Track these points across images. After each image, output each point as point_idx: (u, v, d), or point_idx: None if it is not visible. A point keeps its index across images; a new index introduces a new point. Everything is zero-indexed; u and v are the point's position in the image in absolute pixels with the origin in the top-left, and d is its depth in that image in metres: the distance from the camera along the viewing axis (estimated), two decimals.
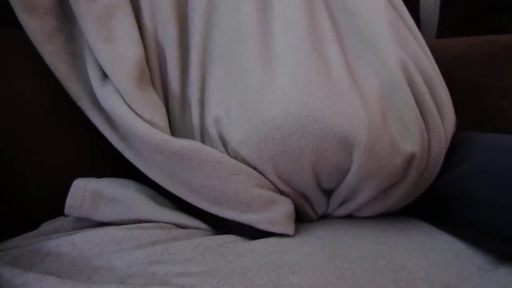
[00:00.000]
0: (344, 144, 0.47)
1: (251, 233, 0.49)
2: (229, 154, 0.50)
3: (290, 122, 0.47)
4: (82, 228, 0.51)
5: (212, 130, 0.51)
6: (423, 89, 0.51)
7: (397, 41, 0.54)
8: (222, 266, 0.42)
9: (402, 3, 0.61)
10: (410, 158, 0.49)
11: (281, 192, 0.51)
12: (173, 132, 0.53)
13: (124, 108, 0.49)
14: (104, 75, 0.52)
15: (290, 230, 0.49)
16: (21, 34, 0.54)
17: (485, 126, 0.68)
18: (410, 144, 0.49)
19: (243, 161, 0.49)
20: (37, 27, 0.52)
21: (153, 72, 0.55)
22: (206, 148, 0.48)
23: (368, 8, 0.56)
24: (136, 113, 0.49)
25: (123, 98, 0.50)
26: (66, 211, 0.50)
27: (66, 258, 0.44)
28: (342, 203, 0.54)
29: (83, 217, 0.50)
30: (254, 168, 0.49)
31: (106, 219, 0.51)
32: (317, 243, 0.47)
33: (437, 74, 0.54)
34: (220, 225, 0.50)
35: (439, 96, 0.53)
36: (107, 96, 0.51)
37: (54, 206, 0.52)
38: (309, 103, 0.47)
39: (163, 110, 0.52)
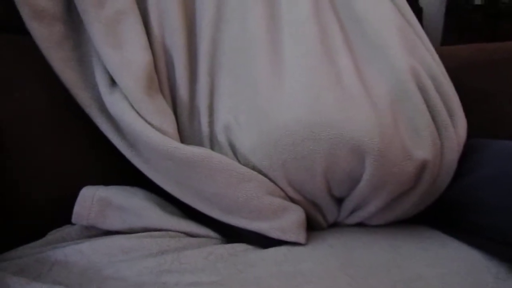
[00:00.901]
0: (356, 150, 0.46)
1: (262, 241, 0.48)
2: (239, 161, 0.49)
3: (301, 129, 0.46)
4: (89, 236, 0.50)
5: (221, 137, 0.51)
6: (434, 95, 0.51)
7: (407, 47, 0.54)
8: (234, 275, 0.41)
9: (410, 10, 0.61)
10: (423, 165, 0.48)
11: (292, 200, 0.50)
12: (182, 140, 0.52)
13: (133, 115, 0.49)
14: (112, 82, 0.52)
15: (301, 238, 0.48)
16: (23, 40, 0.53)
17: (492, 132, 0.67)
18: (423, 150, 0.48)
19: (254, 168, 0.48)
20: (46, 34, 0.52)
21: (161, 79, 0.54)
22: (217, 155, 0.47)
23: (377, 15, 0.56)
24: (145, 120, 0.49)
25: (131, 105, 0.49)
26: (73, 219, 0.49)
27: (73, 268, 0.43)
28: (353, 211, 0.53)
29: (90, 225, 0.50)
30: (265, 175, 0.48)
31: (114, 227, 0.50)
32: (329, 251, 0.46)
33: (447, 80, 0.54)
34: (230, 234, 0.50)
35: (450, 101, 0.52)
36: (115, 103, 0.50)
37: (61, 215, 0.51)
38: (320, 109, 0.46)
39: (172, 117, 0.52)
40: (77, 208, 0.49)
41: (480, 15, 1.13)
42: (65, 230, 0.51)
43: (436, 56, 0.56)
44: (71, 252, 0.45)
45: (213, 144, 0.52)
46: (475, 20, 1.14)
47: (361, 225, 0.55)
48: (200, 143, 0.52)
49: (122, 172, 0.54)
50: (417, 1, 1.23)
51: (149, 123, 0.48)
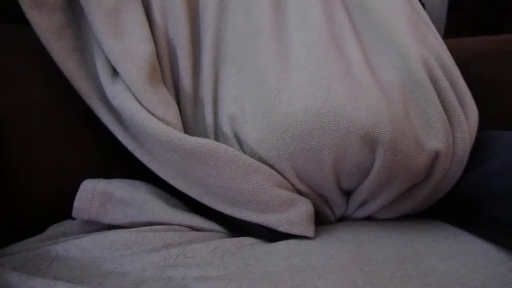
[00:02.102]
0: (367, 140, 0.45)
1: (270, 235, 0.47)
2: (244, 153, 0.48)
3: (309, 118, 0.45)
4: (90, 231, 0.49)
5: (226, 129, 0.49)
6: (445, 85, 0.50)
7: (417, 37, 0.52)
8: (242, 269, 0.40)
9: (417, 1, 0.60)
10: (435, 156, 0.47)
11: (300, 193, 0.49)
12: (186, 131, 0.50)
13: (136, 106, 0.47)
14: (114, 72, 0.50)
15: (310, 232, 0.47)
16: (22, 31, 0.52)
17: (503, 124, 0.66)
18: (435, 141, 0.47)
19: (260, 159, 0.47)
20: (45, 24, 0.50)
21: (164, 70, 0.53)
22: (223, 146, 0.46)
23: (385, 5, 0.54)
24: (148, 111, 0.47)
25: (134, 95, 0.48)
26: (74, 213, 0.48)
27: (75, 263, 0.42)
28: (362, 204, 0.52)
29: (91, 220, 0.48)
30: (272, 167, 0.47)
31: (115, 221, 0.48)
32: (339, 245, 0.45)
33: (457, 71, 0.53)
34: (236, 227, 0.48)
35: (461, 92, 0.51)
36: (117, 94, 0.48)
37: (61, 209, 0.49)
38: (330, 98, 0.45)
39: (176, 108, 0.50)
40: (77, 202, 0.48)
41: (486, 11, 1.12)
42: (66, 224, 0.49)
43: (445, 46, 0.55)
44: (72, 247, 0.43)
45: (217, 136, 0.51)
46: (480, 16, 1.13)
47: (369, 219, 0.53)
48: (204, 135, 0.51)
49: (124, 170, 0.53)
50: None
51: (152, 114, 0.47)
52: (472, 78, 0.55)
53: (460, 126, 0.49)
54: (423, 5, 1.15)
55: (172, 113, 0.49)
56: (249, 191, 0.45)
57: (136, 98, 0.48)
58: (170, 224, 0.47)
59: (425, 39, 0.53)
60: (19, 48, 0.55)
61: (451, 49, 0.56)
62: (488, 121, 0.54)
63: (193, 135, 0.48)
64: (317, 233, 0.48)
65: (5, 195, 0.49)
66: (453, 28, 1.19)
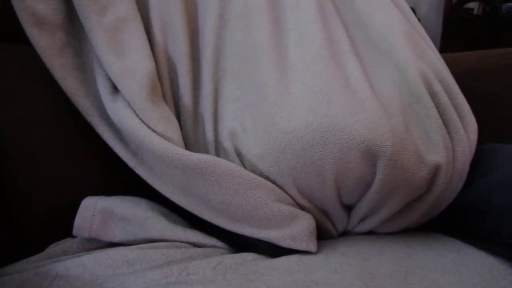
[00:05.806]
0: (368, 154, 0.45)
1: (272, 250, 0.46)
2: (246, 168, 0.48)
3: (310, 133, 0.45)
4: (91, 249, 0.48)
5: (227, 144, 0.49)
6: (444, 98, 0.50)
7: (415, 51, 0.53)
8: (245, 286, 0.40)
9: (413, 14, 0.61)
10: (436, 170, 0.47)
11: (301, 207, 0.49)
12: (187, 148, 0.50)
13: (137, 122, 0.47)
14: (115, 90, 0.51)
15: (312, 246, 0.47)
16: (24, 49, 0.52)
17: (502, 137, 0.67)
18: (435, 155, 0.47)
19: (262, 175, 0.47)
20: (47, 42, 0.51)
21: (164, 86, 0.53)
22: (224, 161, 0.46)
23: (382, 20, 0.55)
24: (149, 127, 0.47)
25: (135, 112, 0.48)
26: (74, 231, 0.48)
27: (76, 281, 0.41)
28: (364, 218, 0.52)
29: (92, 237, 0.48)
30: (273, 182, 0.47)
31: (116, 239, 0.48)
32: (342, 260, 0.45)
33: (455, 84, 0.53)
34: (238, 243, 0.48)
35: (460, 105, 0.51)
36: (118, 111, 0.49)
37: (61, 226, 0.49)
38: (330, 113, 0.45)
39: (177, 124, 0.50)
40: (78, 220, 0.48)
41: (480, 25, 1.13)
42: (66, 243, 0.49)
43: (443, 61, 0.56)
44: (73, 265, 0.43)
45: (218, 152, 0.51)
46: (475, 31, 1.14)
47: (371, 233, 0.53)
48: (205, 151, 0.51)
49: (126, 183, 0.53)
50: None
51: (153, 130, 0.47)
52: (468, 91, 0.55)
53: (460, 139, 0.49)
54: (418, 20, 1.16)
55: (173, 129, 0.49)
56: (251, 207, 0.45)
57: (136, 114, 0.48)
58: (171, 241, 0.47)
59: (423, 54, 0.54)
60: (19, 65, 0.55)
61: (447, 63, 0.57)
62: (484, 134, 0.55)
63: (193, 151, 0.49)
64: (319, 248, 0.47)
65: (5, 211, 0.48)
66: (448, 42, 1.21)
